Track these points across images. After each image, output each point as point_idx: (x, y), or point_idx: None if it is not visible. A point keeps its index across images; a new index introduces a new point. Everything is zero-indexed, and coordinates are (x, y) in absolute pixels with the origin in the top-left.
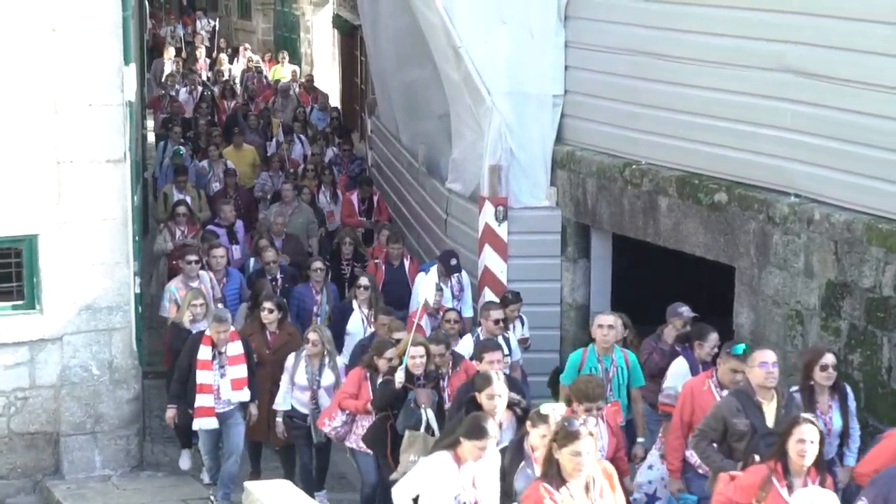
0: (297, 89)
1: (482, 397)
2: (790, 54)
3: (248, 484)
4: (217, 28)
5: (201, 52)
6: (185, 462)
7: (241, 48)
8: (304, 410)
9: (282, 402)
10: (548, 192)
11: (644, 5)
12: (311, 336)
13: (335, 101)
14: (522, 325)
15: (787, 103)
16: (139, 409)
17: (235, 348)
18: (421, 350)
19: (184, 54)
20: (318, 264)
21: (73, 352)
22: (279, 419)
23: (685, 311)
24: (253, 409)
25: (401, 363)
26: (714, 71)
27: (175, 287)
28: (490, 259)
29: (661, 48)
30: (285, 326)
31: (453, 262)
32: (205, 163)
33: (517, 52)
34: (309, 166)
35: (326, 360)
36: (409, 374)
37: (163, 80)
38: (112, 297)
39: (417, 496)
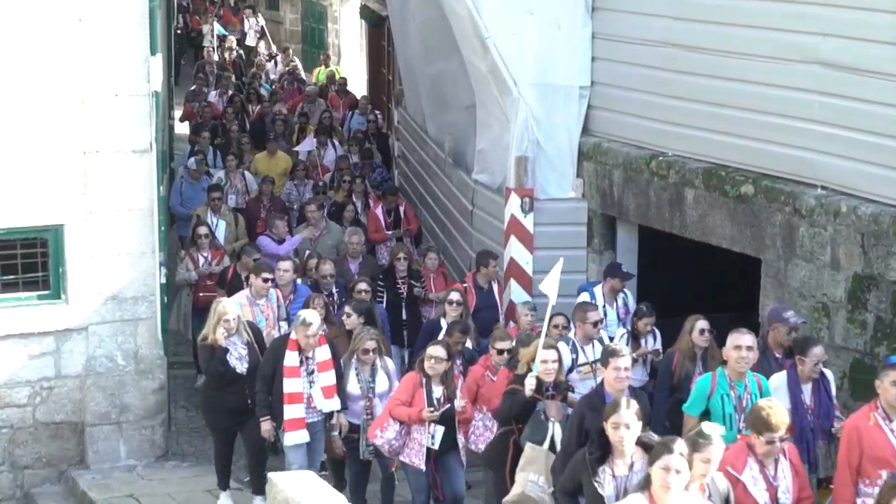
0: (332, 91)
1: (607, 426)
2: (819, 46)
3: (272, 475)
4: (265, 28)
5: (231, 54)
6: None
7: (283, 51)
8: (356, 421)
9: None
10: (574, 184)
11: (680, 5)
12: (370, 344)
13: (362, 92)
14: (654, 338)
15: (814, 95)
16: (164, 399)
17: (324, 353)
18: (554, 354)
19: (226, 55)
20: (363, 286)
21: (99, 342)
22: (335, 434)
23: (791, 315)
24: (343, 419)
25: (529, 370)
26: (741, 63)
27: (240, 303)
28: (516, 250)
29: (689, 40)
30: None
31: (623, 269)
32: (221, 173)
33: (544, 44)
34: (345, 177)
35: (378, 362)
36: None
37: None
38: (138, 287)
39: None
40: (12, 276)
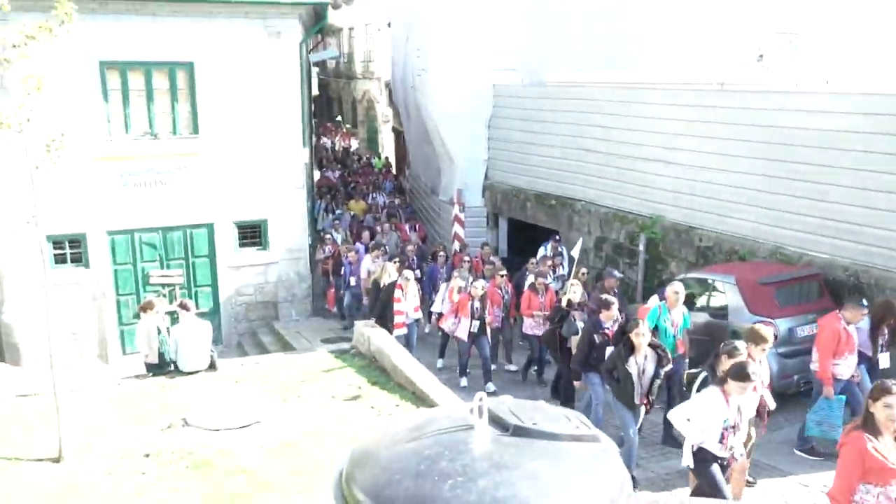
0: (383, 169)
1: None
2: None
3: (358, 323)
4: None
5: (338, 154)
6: None
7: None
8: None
9: None
10: (482, 200)
11: (523, 123)
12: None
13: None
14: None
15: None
16: (309, 292)
17: None
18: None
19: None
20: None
21: (282, 267)
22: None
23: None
24: None
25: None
26: (548, 150)
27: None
28: (458, 229)
29: (527, 138)
30: None
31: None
32: (339, 211)
33: (471, 142)
34: (392, 215)
35: None
36: None
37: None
38: (298, 244)
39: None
40: (250, 239)
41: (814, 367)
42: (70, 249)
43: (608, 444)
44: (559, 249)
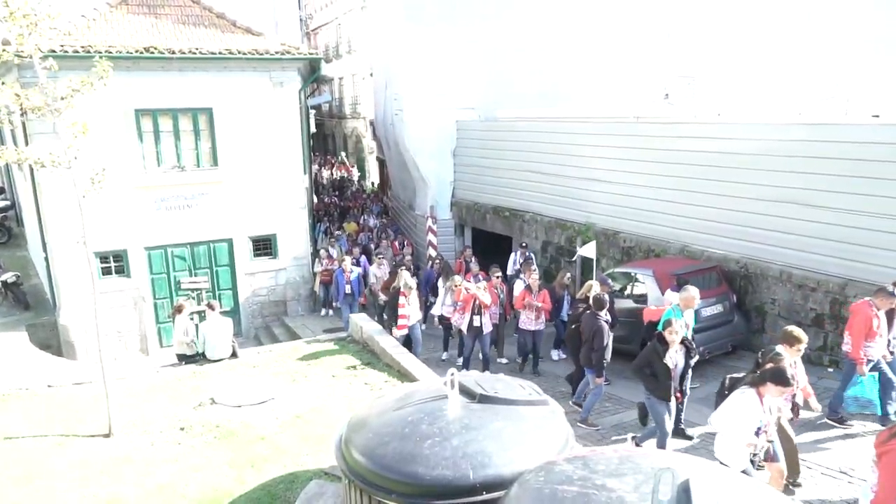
0: (372, 194)
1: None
2: None
3: (352, 316)
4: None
5: (336, 181)
6: None
7: (360, 177)
8: None
9: None
10: (450, 213)
11: (481, 151)
12: None
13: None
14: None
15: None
16: (312, 291)
17: None
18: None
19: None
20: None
21: (290, 272)
22: None
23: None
24: None
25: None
26: (512, 173)
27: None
28: (431, 238)
29: (487, 163)
30: None
31: None
32: (338, 233)
33: (440, 166)
34: (381, 233)
35: None
36: None
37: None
38: (302, 253)
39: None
40: (262, 250)
41: (846, 348)
42: (114, 263)
43: (555, 407)
44: (528, 254)
